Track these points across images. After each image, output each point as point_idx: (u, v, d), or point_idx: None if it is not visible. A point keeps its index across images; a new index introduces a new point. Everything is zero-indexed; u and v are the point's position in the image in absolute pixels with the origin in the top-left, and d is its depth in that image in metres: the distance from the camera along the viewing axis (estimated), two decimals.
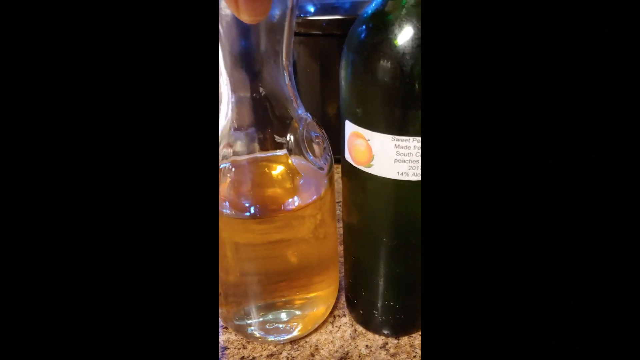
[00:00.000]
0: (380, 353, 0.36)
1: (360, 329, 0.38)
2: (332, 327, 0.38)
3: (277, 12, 0.28)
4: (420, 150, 0.27)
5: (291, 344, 0.37)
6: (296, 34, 0.54)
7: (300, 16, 0.53)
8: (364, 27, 0.27)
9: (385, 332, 0.37)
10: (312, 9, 0.55)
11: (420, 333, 0.37)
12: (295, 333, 0.36)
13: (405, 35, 0.25)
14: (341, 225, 0.37)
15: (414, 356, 0.35)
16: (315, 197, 0.33)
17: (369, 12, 0.27)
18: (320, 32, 0.54)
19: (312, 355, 0.36)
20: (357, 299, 0.37)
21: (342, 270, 0.39)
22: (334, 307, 0.40)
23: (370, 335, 0.37)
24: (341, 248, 0.39)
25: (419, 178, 0.28)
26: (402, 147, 0.27)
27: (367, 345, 0.36)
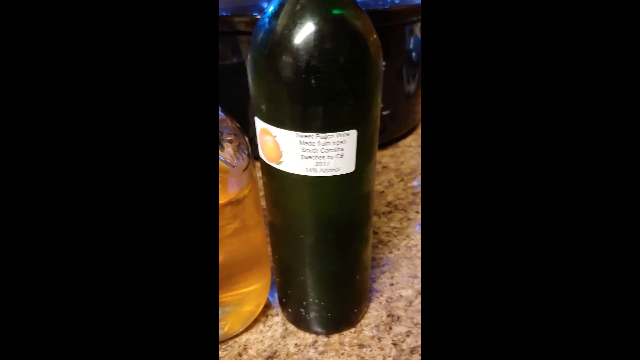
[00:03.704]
0: (308, 351, 0.35)
1: (291, 327, 0.37)
2: (264, 326, 0.38)
3: None
4: (324, 146, 0.27)
5: (219, 343, 0.36)
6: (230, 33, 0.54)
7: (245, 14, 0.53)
8: (264, 23, 0.27)
9: (316, 330, 0.37)
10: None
11: (351, 330, 0.37)
12: (223, 332, 0.36)
13: (301, 32, 0.25)
14: None
15: (342, 354, 0.35)
16: (230, 195, 0.33)
17: (270, 8, 0.27)
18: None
19: (240, 355, 0.35)
20: (285, 298, 0.37)
21: None
22: (268, 307, 0.39)
23: (302, 333, 0.37)
24: None
25: (327, 174, 0.28)
26: (307, 144, 0.27)
27: (296, 344, 0.36)
